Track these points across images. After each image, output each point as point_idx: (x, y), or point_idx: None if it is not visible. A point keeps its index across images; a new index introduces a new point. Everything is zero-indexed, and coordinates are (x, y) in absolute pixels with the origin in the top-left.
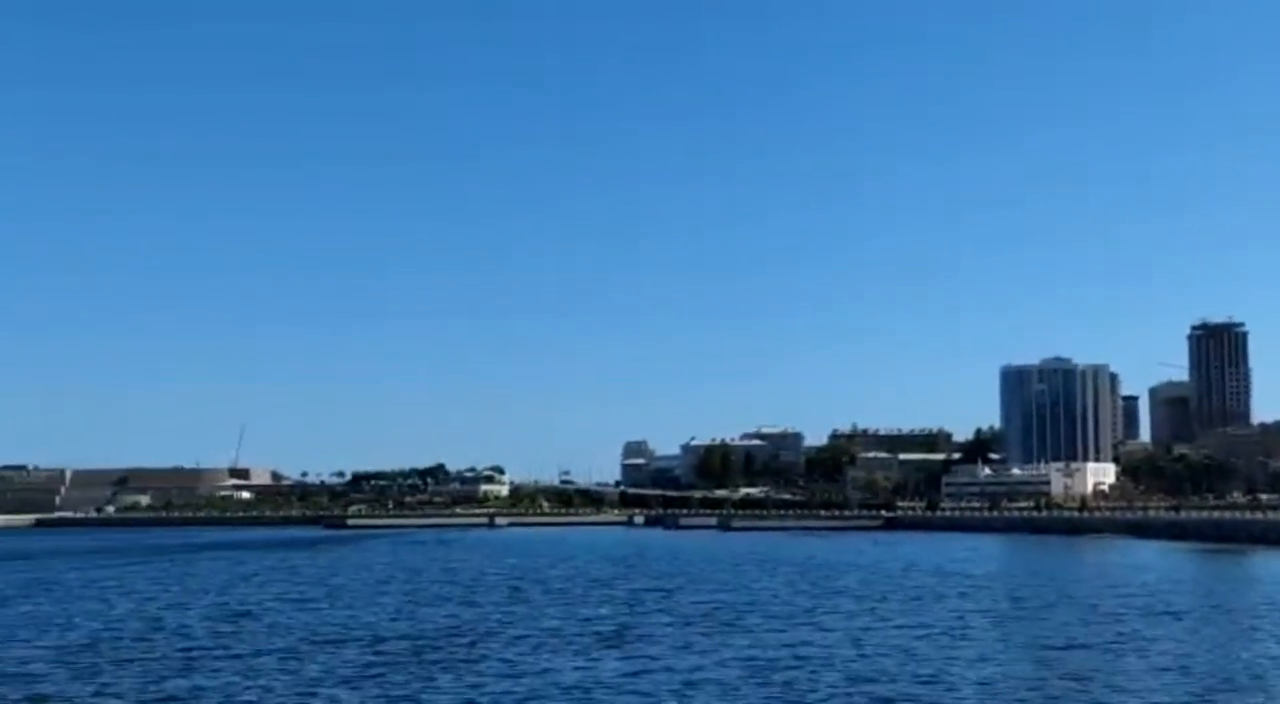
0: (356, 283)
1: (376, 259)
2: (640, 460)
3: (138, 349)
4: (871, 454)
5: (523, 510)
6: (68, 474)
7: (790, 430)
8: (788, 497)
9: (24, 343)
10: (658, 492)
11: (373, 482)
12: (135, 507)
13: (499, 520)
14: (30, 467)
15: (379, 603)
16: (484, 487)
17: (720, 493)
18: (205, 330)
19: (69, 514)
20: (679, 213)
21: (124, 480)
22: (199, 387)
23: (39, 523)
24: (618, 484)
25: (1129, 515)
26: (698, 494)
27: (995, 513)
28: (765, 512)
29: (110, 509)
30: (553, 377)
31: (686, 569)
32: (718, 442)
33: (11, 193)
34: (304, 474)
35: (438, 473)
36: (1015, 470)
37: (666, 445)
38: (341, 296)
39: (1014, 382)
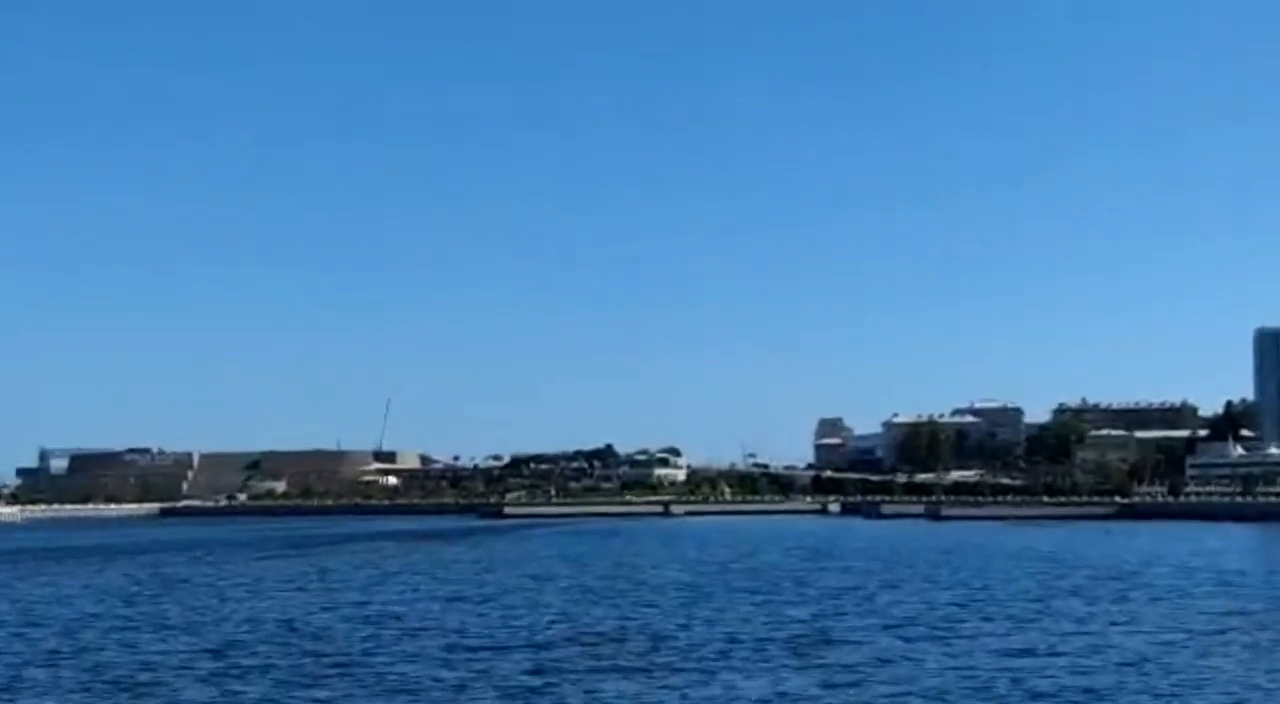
0: (514, 246)
1: (533, 221)
2: (836, 440)
3: (272, 320)
4: (1103, 432)
5: (702, 497)
6: (195, 458)
7: (1008, 405)
8: (1006, 481)
9: (146, 315)
10: (856, 475)
11: (533, 465)
12: (269, 494)
13: (675, 508)
14: (155, 449)
15: (541, 603)
16: (658, 470)
17: (928, 477)
18: (347, 299)
19: (196, 502)
20: (874, 170)
21: (257, 464)
22: (341, 361)
23: (164, 512)
24: (810, 467)
25: None
26: (902, 478)
27: (1249, 499)
28: (980, 498)
29: (242, 497)
30: (736, 346)
31: (891, 564)
32: (924, 418)
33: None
34: (456, 457)
35: (606, 455)
36: (1273, 449)
37: (866, 423)
38: (498, 264)
39: (1270, 347)
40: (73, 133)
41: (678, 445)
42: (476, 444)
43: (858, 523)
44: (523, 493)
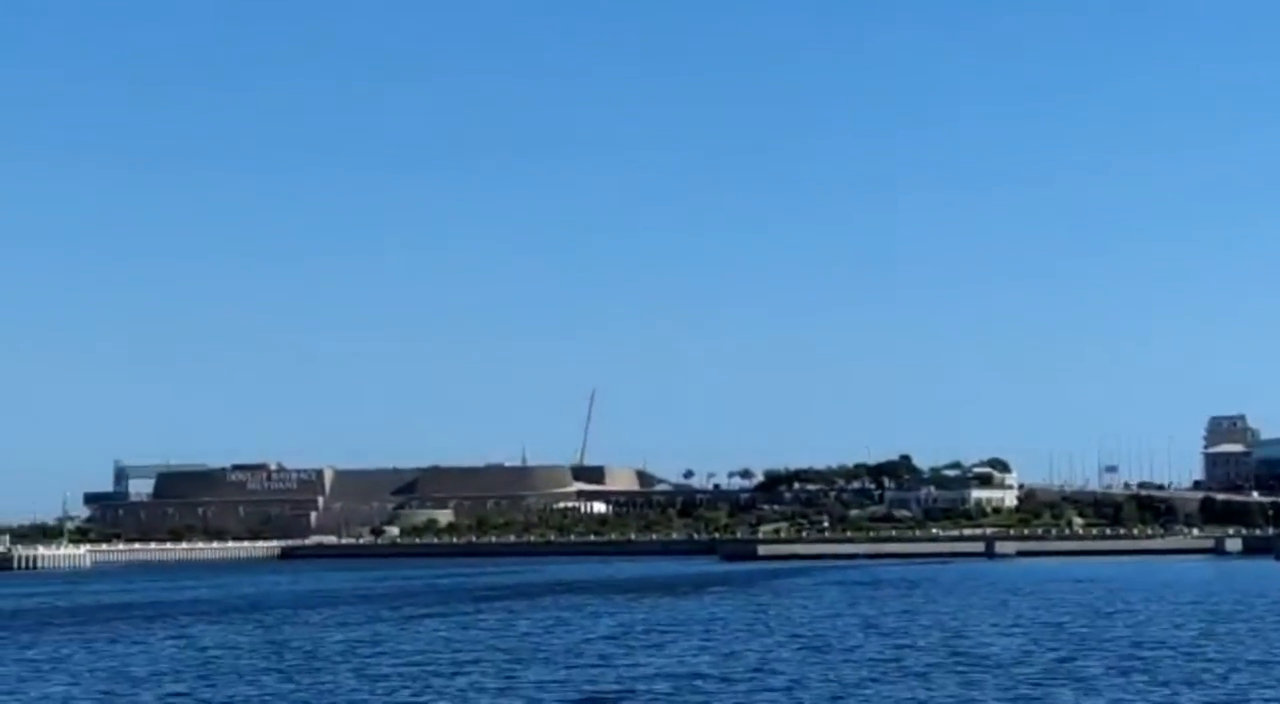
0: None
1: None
2: (1235, 448)
3: (428, 298)
4: None
5: (1040, 530)
6: (328, 477)
7: None
8: None
9: (255, 293)
10: (1266, 499)
11: (797, 486)
12: (430, 526)
13: (1001, 546)
14: (273, 466)
15: (816, 685)
16: (976, 492)
17: None
18: (530, 270)
19: (330, 539)
20: None
21: (413, 486)
22: (525, 343)
23: (286, 552)
24: (1197, 485)
25: None
26: None
27: None
28: None
29: (392, 531)
30: (1082, 318)
31: None
32: None
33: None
34: (688, 474)
35: (900, 471)
36: None
37: None
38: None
39: None
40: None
41: (1004, 456)
42: (716, 456)
43: (1270, 567)
44: (783, 524)
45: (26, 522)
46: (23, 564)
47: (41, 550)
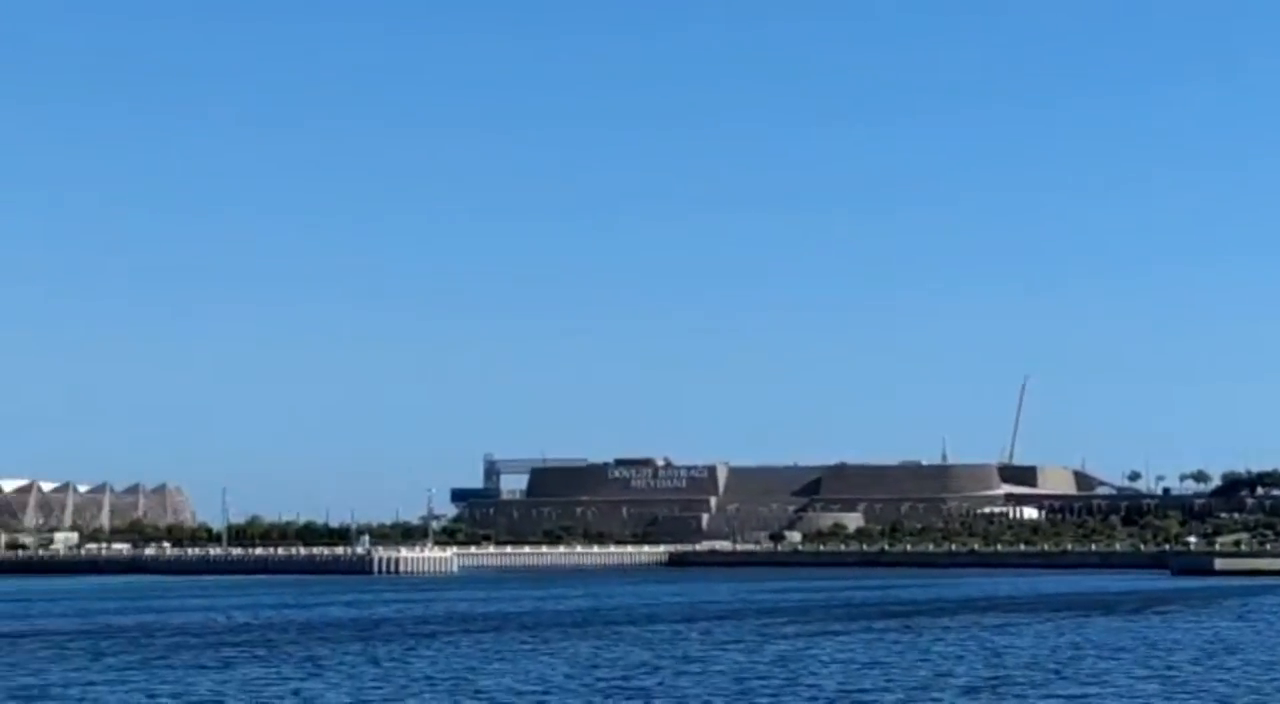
0: None
1: None
2: None
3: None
4: None
5: None
6: (721, 474)
7: None
8: None
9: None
10: None
11: (1261, 490)
12: (836, 531)
13: None
14: (660, 461)
15: None
16: None
17: None
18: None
19: (722, 544)
20: None
21: (816, 485)
22: (947, 327)
23: (674, 559)
24: None
25: None
26: None
27: None
28: None
29: (794, 537)
30: None
31: None
32: None
33: None
34: (1133, 476)
35: None
36: None
37: None
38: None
39: None
40: None
41: None
42: (1166, 455)
43: None
44: (1244, 536)
45: (388, 521)
46: (383, 568)
47: (404, 553)
